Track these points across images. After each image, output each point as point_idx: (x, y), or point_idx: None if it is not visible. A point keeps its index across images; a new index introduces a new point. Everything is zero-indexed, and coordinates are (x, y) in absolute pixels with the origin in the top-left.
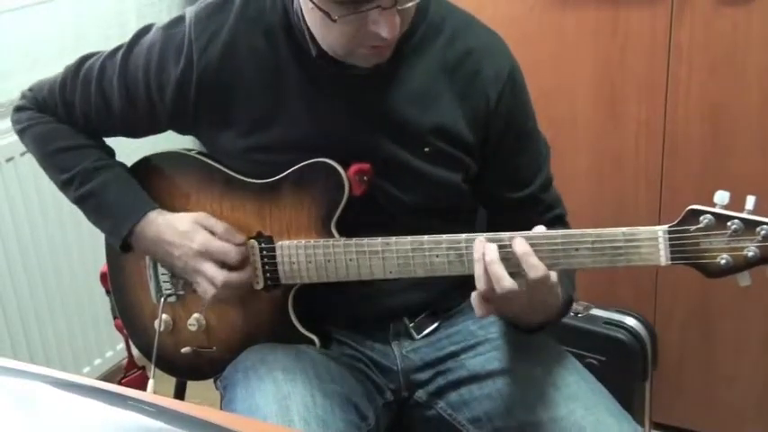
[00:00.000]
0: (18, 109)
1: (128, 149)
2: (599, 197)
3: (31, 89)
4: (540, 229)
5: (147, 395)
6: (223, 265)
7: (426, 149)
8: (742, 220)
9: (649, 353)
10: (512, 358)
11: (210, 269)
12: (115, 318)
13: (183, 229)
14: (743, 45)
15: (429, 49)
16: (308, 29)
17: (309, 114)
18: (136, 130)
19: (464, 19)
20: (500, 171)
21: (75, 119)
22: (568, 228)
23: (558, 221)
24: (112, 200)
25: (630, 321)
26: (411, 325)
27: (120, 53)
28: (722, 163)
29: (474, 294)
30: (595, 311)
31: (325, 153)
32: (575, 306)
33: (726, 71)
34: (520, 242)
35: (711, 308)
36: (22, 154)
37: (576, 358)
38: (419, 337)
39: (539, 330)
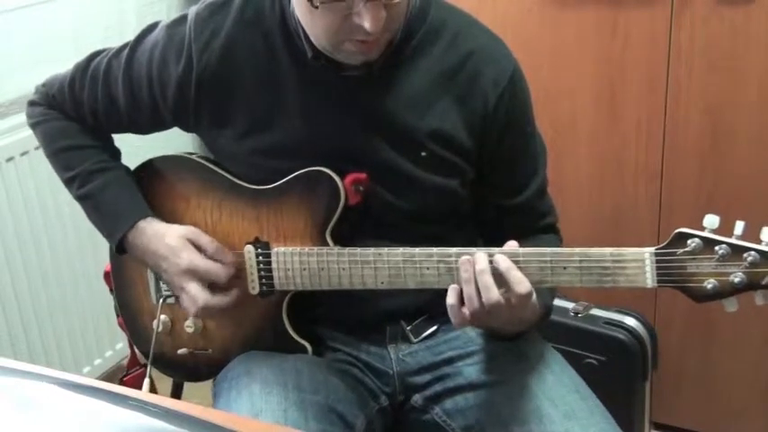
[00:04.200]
0: (31, 103)
1: (129, 148)
2: (599, 197)
3: (44, 84)
4: (512, 245)
5: (147, 395)
6: (209, 284)
7: (423, 154)
8: (729, 245)
9: (649, 353)
10: (510, 369)
11: (194, 289)
12: (118, 316)
13: (172, 244)
14: (743, 45)
15: (428, 53)
16: (303, 28)
17: (306, 117)
18: (141, 128)
19: (465, 22)
20: (496, 176)
21: (83, 116)
22: (559, 235)
23: (549, 230)
24: (108, 203)
25: (630, 321)
26: (408, 328)
27: (125, 52)
28: (722, 163)
29: (451, 304)
30: (595, 311)
31: (322, 157)
32: (574, 306)
33: (725, 71)
34: (502, 258)
35: (711, 308)
36: (23, 154)
37: (576, 358)
38: (417, 340)
39: (513, 338)
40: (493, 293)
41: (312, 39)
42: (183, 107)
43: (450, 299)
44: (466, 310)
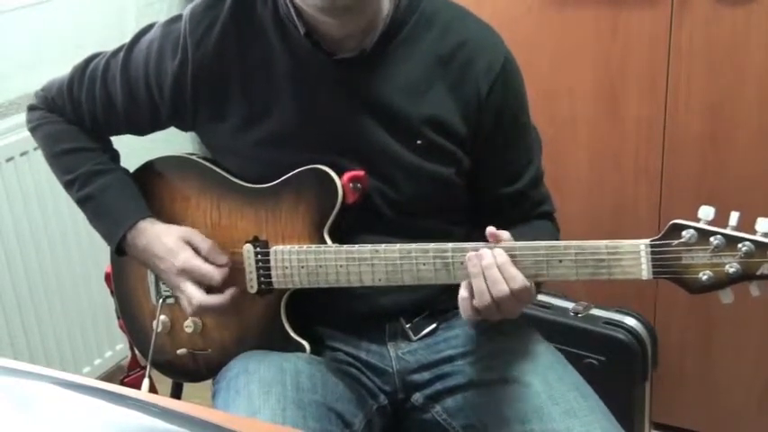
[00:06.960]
0: (31, 108)
1: (128, 149)
2: (599, 197)
3: (43, 89)
4: (505, 235)
5: (147, 395)
6: (204, 285)
7: (419, 142)
8: (724, 235)
9: (649, 353)
10: (511, 367)
11: (190, 289)
12: (118, 318)
13: (169, 245)
14: (743, 45)
15: (421, 40)
16: (295, 6)
17: (301, 105)
18: (140, 128)
19: (458, 11)
20: (490, 164)
21: (82, 118)
22: (556, 224)
23: (545, 217)
24: (108, 205)
25: (630, 321)
26: (408, 326)
27: (122, 52)
28: (722, 162)
29: (464, 297)
30: (595, 311)
31: (319, 146)
32: (574, 306)
33: (725, 71)
34: (499, 252)
35: (711, 308)
36: (22, 154)
37: (576, 358)
38: (416, 338)
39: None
40: (502, 287)
41: None
42: (181, 102)
43: (464, 292)
44: (476, 303)
